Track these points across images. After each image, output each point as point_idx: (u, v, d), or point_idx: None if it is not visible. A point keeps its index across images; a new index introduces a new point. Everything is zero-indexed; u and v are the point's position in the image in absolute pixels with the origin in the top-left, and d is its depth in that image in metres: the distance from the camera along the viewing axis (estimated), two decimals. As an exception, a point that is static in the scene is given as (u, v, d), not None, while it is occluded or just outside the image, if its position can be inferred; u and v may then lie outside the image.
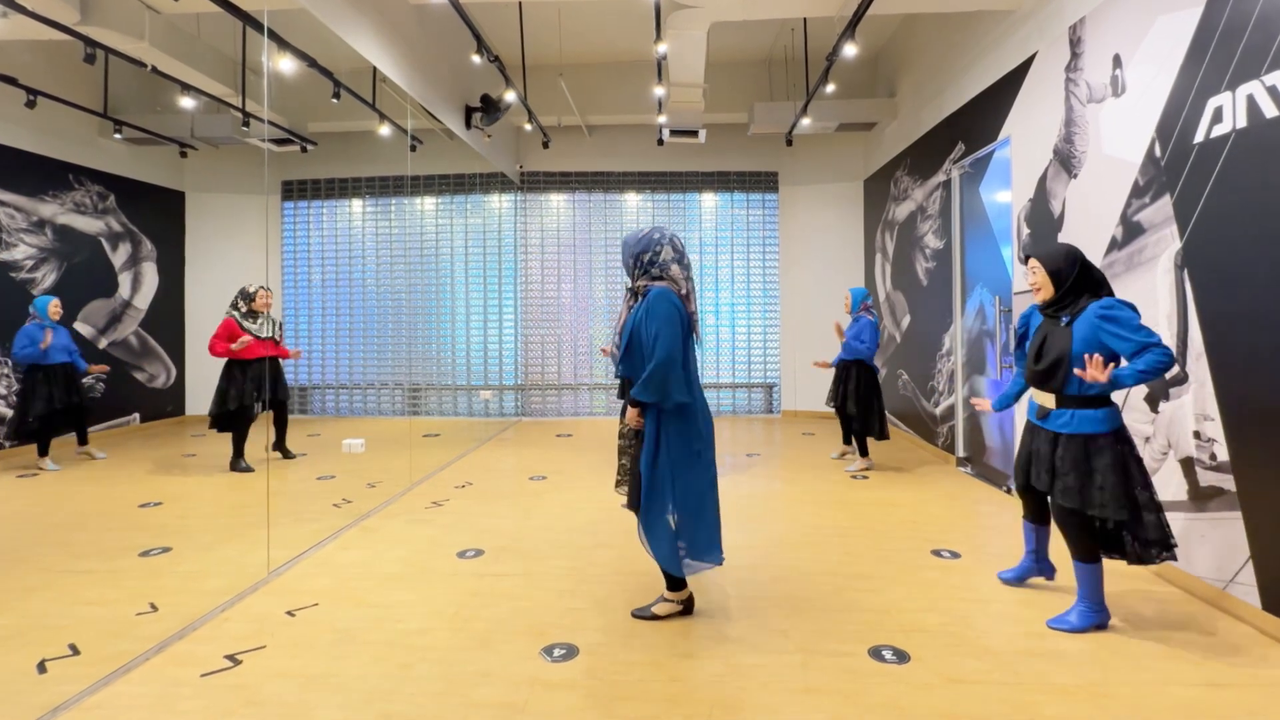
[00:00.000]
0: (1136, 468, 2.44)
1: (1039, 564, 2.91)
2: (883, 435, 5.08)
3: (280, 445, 5.44)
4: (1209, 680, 2.20)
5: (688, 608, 2.70)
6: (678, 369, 2.44)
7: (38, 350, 4.02)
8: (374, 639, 2.50)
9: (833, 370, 5.53)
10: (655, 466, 2.51)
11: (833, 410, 5.49)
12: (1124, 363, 2.43)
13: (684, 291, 2.56)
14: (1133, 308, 2.38)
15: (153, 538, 3.59)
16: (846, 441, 5.60)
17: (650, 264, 2.56)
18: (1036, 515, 2.84)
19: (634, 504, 2.62)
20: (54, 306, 4.13)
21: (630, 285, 2.65)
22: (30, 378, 4.07)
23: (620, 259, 2.64)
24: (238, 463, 4.90)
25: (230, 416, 4.87)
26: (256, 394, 4.92)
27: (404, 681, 2.21)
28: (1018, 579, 2.96)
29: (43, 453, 4.43)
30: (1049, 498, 2.67)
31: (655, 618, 2.65)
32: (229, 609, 2.76)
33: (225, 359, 4.86)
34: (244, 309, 4.97)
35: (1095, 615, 2.53)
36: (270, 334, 5.07)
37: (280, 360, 5.24)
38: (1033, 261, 2.59)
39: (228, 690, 2.16)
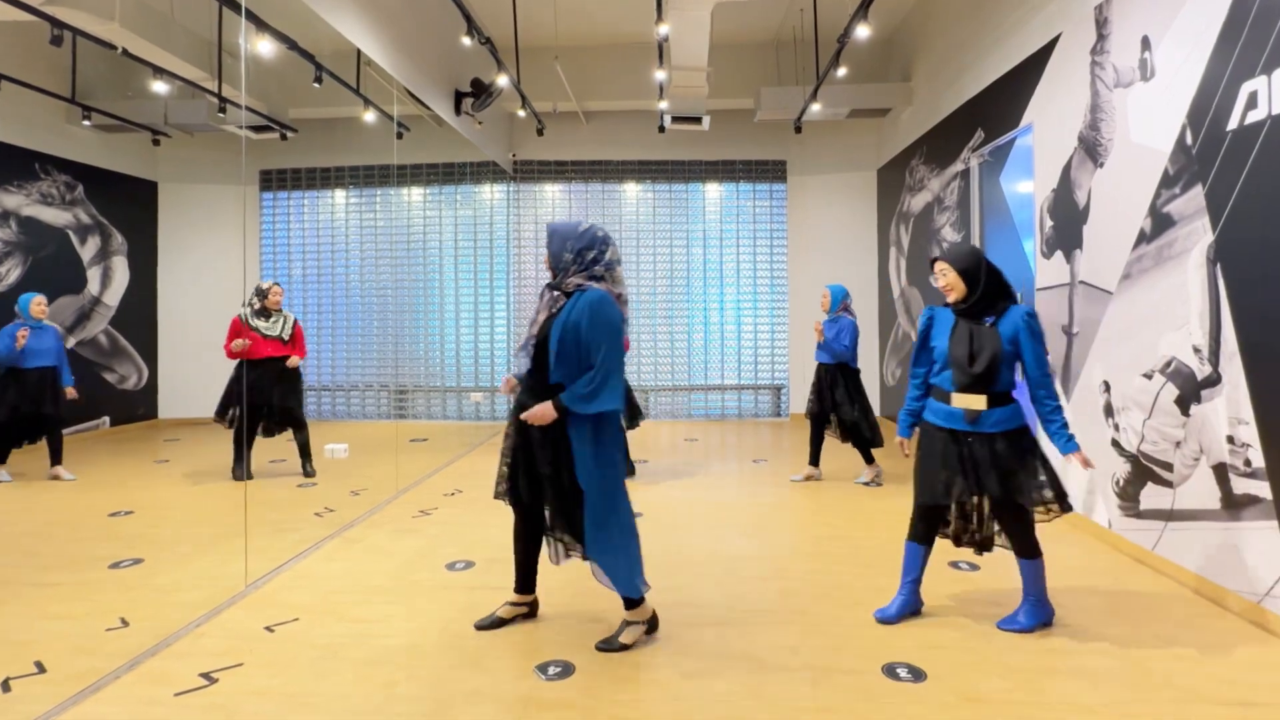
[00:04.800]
0: None
1: (916, 595, 2.83)
2: (877, 440, 4.93)
3: (304, 464, 5.15)
4: (1242, 699, 2.20)
5: (652, 625, 2.64)
6: (620, 383, 2.46)
7: (12, 350, 3.99)
8: (358, 656, 2.50)
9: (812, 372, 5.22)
10: (600, 468, 2.46)
11: (808, 420, 5.12)
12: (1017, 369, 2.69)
13: (622, 296, 2.54)
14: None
15: (124, 548, 3.59)
16: (813, 462, 5.17)
17: (594, 263, 2.51)
18: (927, 536, 2.79)
19: (556, 523, 2.58)
20: (36, 305, 4.09)
21: (553, 281, 2.56)
22: (2, 380, 4.05)
23: (549, 249, 2.54)
24: (238, 470, 4.82)
25: (234, 420, 4.89)
26: (263, 400, 4.83)
27: (389, 701, 2.21)
28: (897, 616, 2.77)
29: (0, 460, 4.39)
30: (974, 502, 2.73)
31: (625, 648, 2.52)
32: (204, 624, 2.76)
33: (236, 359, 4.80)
34: (257, 305, 4.95)
35: (1042, 612, 2.71)
36: (279, 333, 4.94)
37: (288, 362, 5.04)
38: (941, 264, 2.70)
39: (203, 710, 2.16)
